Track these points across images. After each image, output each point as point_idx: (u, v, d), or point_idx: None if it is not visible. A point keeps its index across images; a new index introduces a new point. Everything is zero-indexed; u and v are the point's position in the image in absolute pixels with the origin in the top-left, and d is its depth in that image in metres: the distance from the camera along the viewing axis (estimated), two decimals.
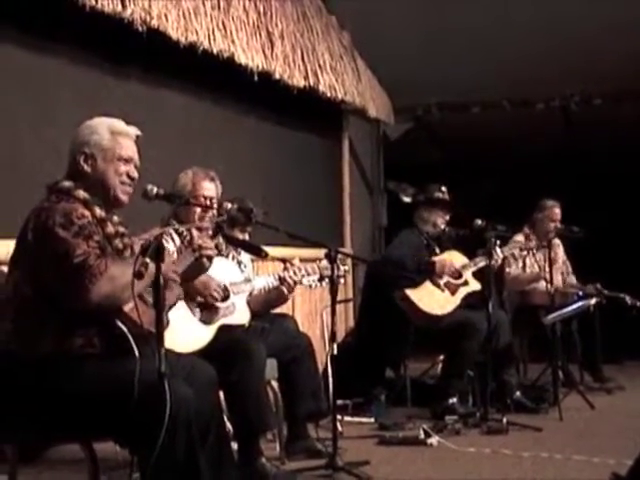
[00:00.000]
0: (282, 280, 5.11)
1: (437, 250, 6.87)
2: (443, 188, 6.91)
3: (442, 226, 6.85)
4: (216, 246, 4.94)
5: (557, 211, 7.81)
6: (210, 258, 3.85)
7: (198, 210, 4.81)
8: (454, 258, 6.77)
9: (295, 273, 5.13)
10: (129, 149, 3.56)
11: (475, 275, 6.74)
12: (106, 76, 5.61)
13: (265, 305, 5.29)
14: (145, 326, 3.14)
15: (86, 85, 5.43)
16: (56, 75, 5.25)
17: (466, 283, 6.69)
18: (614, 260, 10.10)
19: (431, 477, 4.84)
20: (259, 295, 5.15)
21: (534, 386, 7.35)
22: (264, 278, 5.13)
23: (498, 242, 6.88)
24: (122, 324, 3.23)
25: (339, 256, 4.92)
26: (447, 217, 6.86)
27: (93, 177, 3.48)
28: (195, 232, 4.31)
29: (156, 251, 2.96)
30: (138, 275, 2.97)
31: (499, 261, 6.76)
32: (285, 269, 5.14)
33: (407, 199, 7.10)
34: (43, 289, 3.24)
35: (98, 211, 3.41)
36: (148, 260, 2.96)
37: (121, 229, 3.50)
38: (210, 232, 4.86)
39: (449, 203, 6.90)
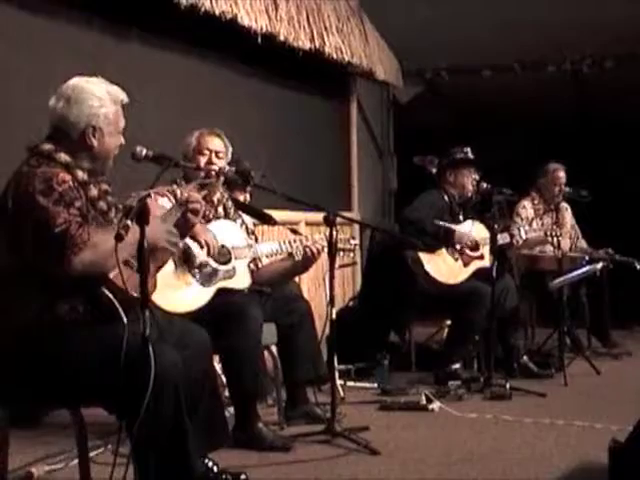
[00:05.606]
0: (305, 250, 5.03)
1: (461, 217, 6.75)
2: (466, 148, 6.81)
3: (470, 187, 6.72)
4: (224, 208, 4.92)
5: (560, 174, 7.71)
6: (197, 211, 3.69)
7: (202, 164, 4.71)
8: (477, 230, 6.64)
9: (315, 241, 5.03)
10: (123, 119, 3.50)
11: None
12: (106, 37, 5.56)
13: (287, 274, 5.22)
14: (131, 291, 3.09)
15: (85, 46, 5.37)
16: (55, 36, 5.20)
17: (482, 257, 6.59)
18: (626, 224, 10.02)
19: (430, 443, 4.79)
20: (281, 264, 5.09)
21: (540, 351, 7.31)
22: (268, 244, 5.06)
23: (524, 224, 6.82)
24: (108, 291, 3.17)
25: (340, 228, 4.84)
26: (475, 176, 6.73)
27: (98, 151, 3.41)
28: (178, 189, 4.23)
29: (139, 214, 2.90)
30: (118, 237, 2.91)
31: (520, 242, 6.71)
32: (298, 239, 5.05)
33: (434, 170, 6.95)
34: (25, 257, 3.18)
35: (80, 174, 3.32)
36: (129, 222, 2.91)
37: (104, 186, 3.42)
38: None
39: (472, 161, 6.77)
